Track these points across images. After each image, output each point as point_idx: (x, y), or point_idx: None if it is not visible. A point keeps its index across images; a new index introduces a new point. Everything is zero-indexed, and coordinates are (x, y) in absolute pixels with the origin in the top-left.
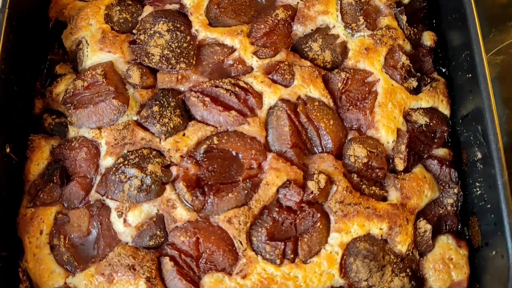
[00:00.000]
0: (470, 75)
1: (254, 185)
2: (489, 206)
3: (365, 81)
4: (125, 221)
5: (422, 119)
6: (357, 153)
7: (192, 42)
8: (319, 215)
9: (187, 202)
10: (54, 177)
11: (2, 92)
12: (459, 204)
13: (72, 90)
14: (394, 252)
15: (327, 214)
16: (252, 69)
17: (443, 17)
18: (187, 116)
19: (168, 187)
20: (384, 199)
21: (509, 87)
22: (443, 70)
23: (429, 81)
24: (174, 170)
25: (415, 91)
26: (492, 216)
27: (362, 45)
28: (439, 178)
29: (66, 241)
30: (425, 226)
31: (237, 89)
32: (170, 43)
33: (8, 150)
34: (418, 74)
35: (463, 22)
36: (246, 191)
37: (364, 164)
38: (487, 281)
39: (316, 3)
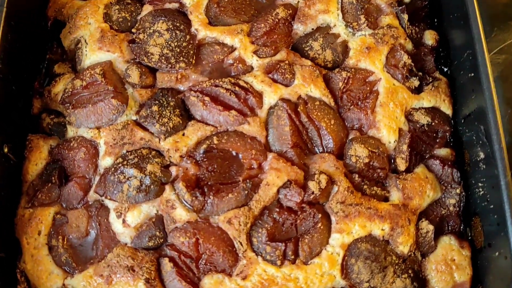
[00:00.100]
0: (473, 74)
1: (255, 185)
2: (492, 206)
3: (366, 80)
4: (124, 221)
5: (424, 119)
6: (358, 153)
7: (191, 41)
8: (320, 215)
9: (187, 203)
10: (53, 177)
11: (0, 91)
12: (462, 204)
13: (70, 90)
14: (396, 253)
15: (328, 214)
16: (252, 68)
17: (445, 16)
18: (187, 115)
19: (167, 187)
20: (386, 199)
21: (511, 87)
22: (445, 69)
23: (431, 80)
24: (173, 170)
25: (417, 91)
26: (495, 216)
27: (363, 44)
28: (441, 178)
29: (65, 242)
30: (427, 226)
31: (237, 88)
32: (169, 42)
33: (6, 150)
34: (420, 73)
35: (465, 21)
36: (246, 192)
37: (365, 164)
38: (490, 282)
39: (317, 1)
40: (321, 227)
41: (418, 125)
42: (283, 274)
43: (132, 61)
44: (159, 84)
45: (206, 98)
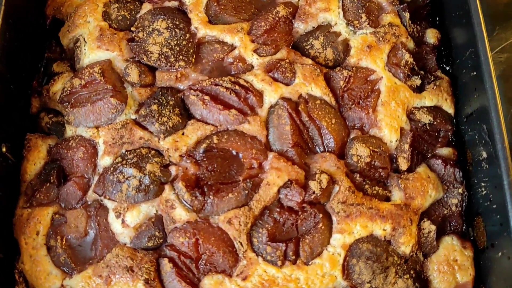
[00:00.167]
0: (475, 73)
1: (255, 185)
2: (494, 206)
3: (368, 79)
4: (123, 221)
5: (426, 118)
6: (359, 152)
7: (191, 40)
8: (321, 215)
9: (187, 203)
10: (51, 177)
11: None
12: (464, 204)
13: (69, 89)
14: (397, 254)
15: (329, 214)
16: (252, 67)
17: (447, 14)
18: (187, 115)
19: (167, 187)
20: (388, 199)
21: None
22: (447, 68)
23: (432, 79)
24: (173, 169)
25: (419, 90)
26: (498, 216)
27: (365, 42)
28: (443, 178)
29: (63, 242)
30: (429, 226)
31: (237, 87)
32: (169, 41)
33: (4, 149)
34: (422, 72)
35: (468, 19)
36: (246, 191)
37: (366, 163)
38: (493, 283)
39: (318, 0)
40: (322, 227)
41: (420, 124)
42: (283, 274)
43: (131, 59)
44: (159, 83)
45: (206, 97)
